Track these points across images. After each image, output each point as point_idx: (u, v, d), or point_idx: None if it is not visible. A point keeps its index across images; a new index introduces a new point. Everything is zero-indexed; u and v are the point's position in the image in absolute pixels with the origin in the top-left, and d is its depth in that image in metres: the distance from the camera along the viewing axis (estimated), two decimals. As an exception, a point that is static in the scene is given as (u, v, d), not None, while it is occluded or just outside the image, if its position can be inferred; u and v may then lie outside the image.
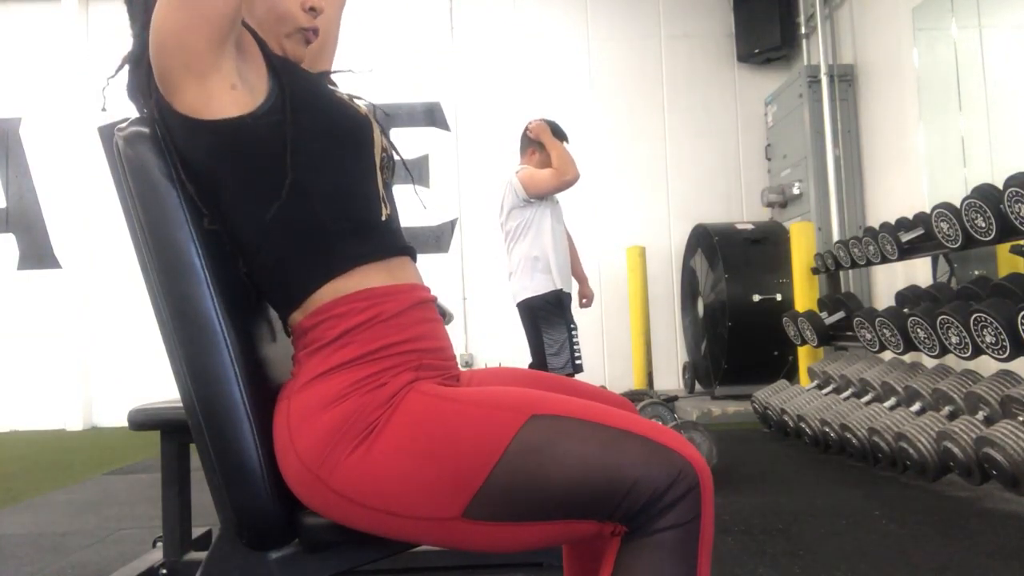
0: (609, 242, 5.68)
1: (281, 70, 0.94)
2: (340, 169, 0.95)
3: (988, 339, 2.54)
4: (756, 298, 4.81)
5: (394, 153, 1.10)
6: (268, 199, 0.90)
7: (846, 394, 3.48)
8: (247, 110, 0.89)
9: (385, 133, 1.06)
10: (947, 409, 2.76)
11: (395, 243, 0.99)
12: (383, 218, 0.99)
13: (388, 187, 1.04)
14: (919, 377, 3.04)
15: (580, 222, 4.97)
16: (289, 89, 0.92)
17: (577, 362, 3.30)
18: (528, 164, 3.42)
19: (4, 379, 5.89)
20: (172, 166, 0.92)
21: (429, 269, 5.73)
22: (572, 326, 3.31)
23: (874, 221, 4.52)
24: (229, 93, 0.88)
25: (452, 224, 6.01)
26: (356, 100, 1.05)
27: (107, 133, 0.97)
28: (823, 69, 5.02)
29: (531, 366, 3.46)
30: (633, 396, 3.79)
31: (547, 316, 3.30)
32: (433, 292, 1.05)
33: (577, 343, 3.32)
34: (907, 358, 3.33)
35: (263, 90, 0.91)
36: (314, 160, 0.92)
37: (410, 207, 5.01)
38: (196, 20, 0.84)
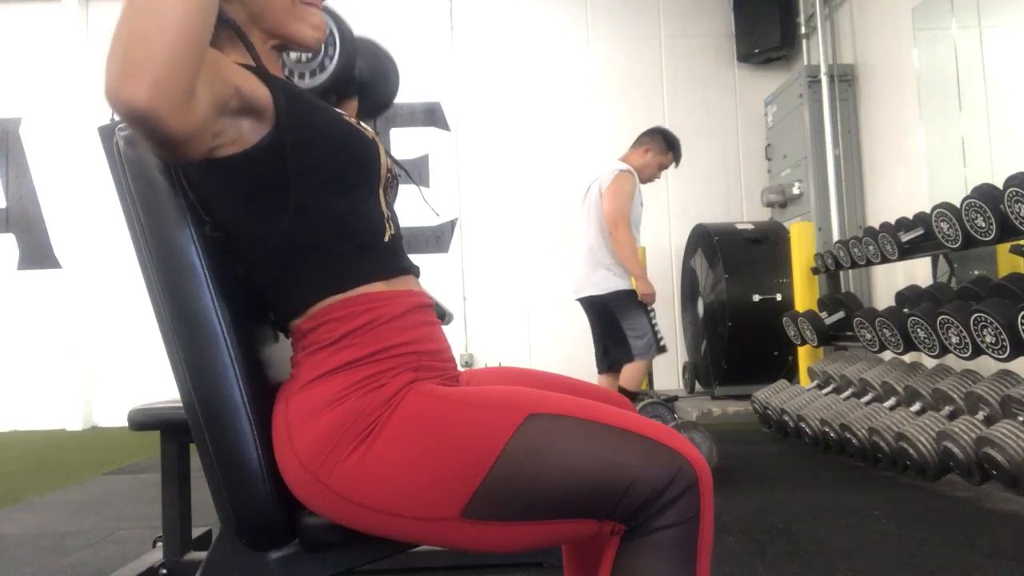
0: (609, 242, 5.67)
1: (286, 96, 0.90)
2: (346, 191, 0.95)
3: (988, 339, 2.53)
4: (756, 298, 4.81)
5: (399, 172, 1.09)
6: (270, 222, 0.90)
7: (846, 394, 3.48)
8: (249, 145, 0.87)
9: (389, 153, 1.06)
10: (947, 409, 2.76)
11: (398, 263, 0.99)
12: (387, 239, 0.98)
13: (391, 207, 1.03)
14: (919, 377, 3.04)
15: (580, 222, 4.97)
16: (293, 117, 0.90)
17: (661, 343, 3.32)
18: (630, 160, 3.44)
19: (4, 379, 5.89)
20: (173, 168, 0.92)
21: (429, 269, 5.72)
22: (650, 308, 3.33)
23: (874, 221, 4.52)
24: (229, 146, 0.86)
25: (452, 224, 6.01)
26: (362, 123, 1.05)
27: (107, 133, 0.97)
28: (823, 69, 5.02)
29: (599, 358, 3.49)
30: (632, 396, 3.79)
31: (624, 306, 3.32)
32: (432, 293, 1.05)
33: (656, 323, 3.34)
34: (907, 358, 3.33)
35: (267, 122, 0.88)
36: (320, 184, 0.92)
37: (410, 207, 5.01)
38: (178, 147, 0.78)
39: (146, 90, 0.68)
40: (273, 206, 0.89)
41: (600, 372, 3.54)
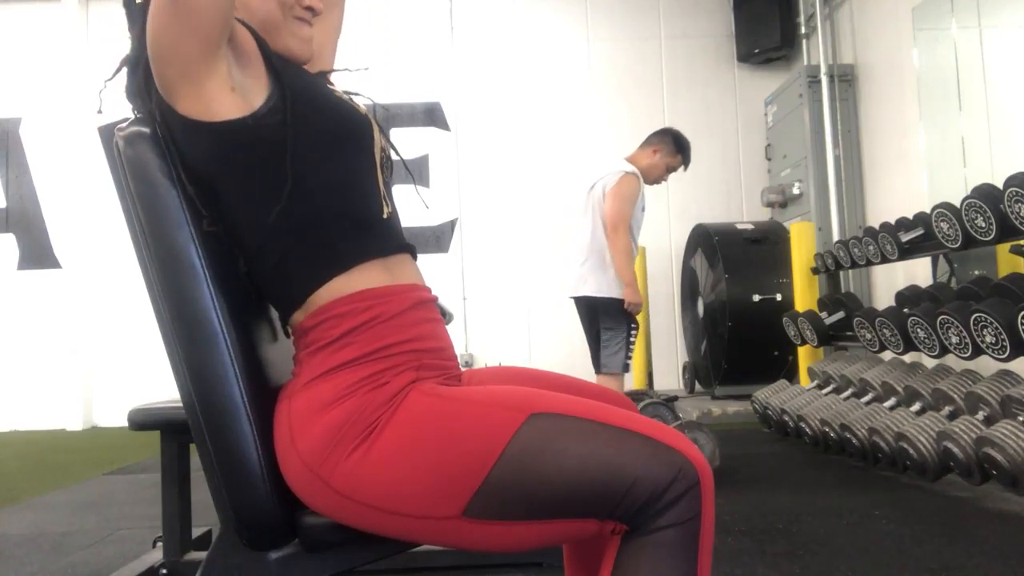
0: (609, 242, 5.67)
1: (281, 70, 0.93)
2: (341, 168, 0.96)
3: (988, 339, 2.53)
4: (756, 298, 4.81)
5: (393, 152, 1.10)
6: (269, 199, 0.90)
7: (846, 394, 3.48)
8: (248, 111, 0.89)
9: (384, 132, 1.07)
10: (947, 409, 2.76)
11: (395, 241, 0.99)
12: (384, 216, 0.99)
13: (388, 186, 1.04)
14: (919, 377, 3.04)
15: (580, 222, 4.97)
16: (290, 89, 0.92)
17: (628, 362, 3.29)
18: (637, 160, 3.39)
19: (4, 379, 5.89)
20: (172, 166, 0.92)
21: (429, 269, 5.69)
22: (633, 325, 3.29)
23: (874, 221, 4.52)
24: (229, 96, 0.88)
25: (452, 224, 6.01)
26: (355, 98, 1.05)
27: (107, 133, 0.97)
28: (823, 69, 5.02)
29: (593, 357, 3.47)
30: (633, 396, 3.79)
31: (612, 315, 3.29)
32: (433, 292, 1.05)
33: (633, 344, 3.30)
34: (907, 358, 3.33)
35: (263, 91, 0.91)
36: (315, 159, 0.93)
37: (410, 207, 5.03)
38: (188, 29, 0.83)
39: None
40: (272, 184, 0.90)
41: (597, 373, 3.53)
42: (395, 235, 1.00)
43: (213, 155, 0.90)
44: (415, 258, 1.04)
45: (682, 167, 3.49)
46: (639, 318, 3.39)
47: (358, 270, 0.93)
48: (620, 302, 3.26)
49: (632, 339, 3.29)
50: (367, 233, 0.96)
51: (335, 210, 0.94)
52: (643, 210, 3.39)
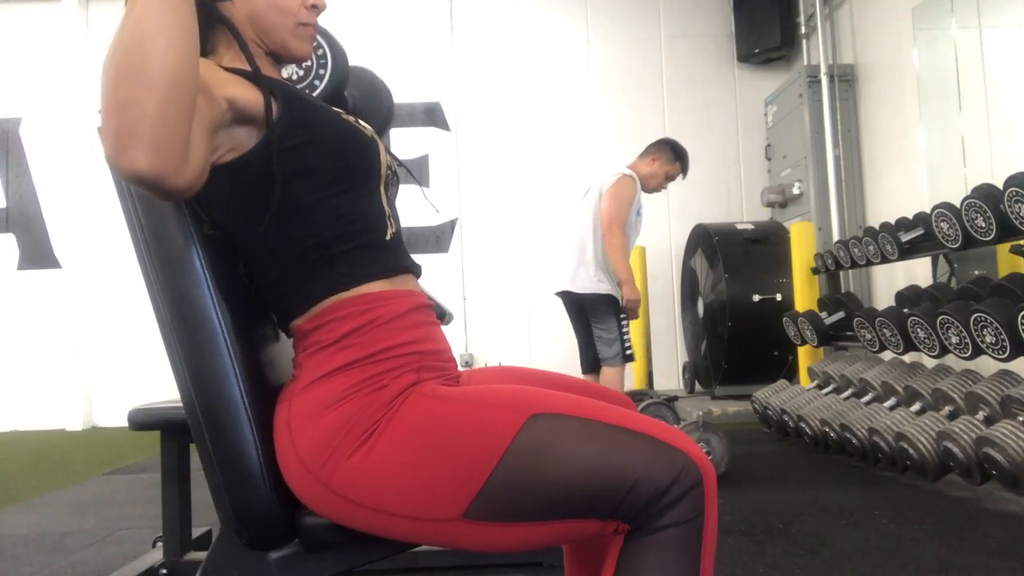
0: (609, 242, 5.67)
1: (284, 97, 0.91)
2: (347, 190, 0.95)
3: (988, 339, 2.53)
4: (756, 298, 4.81)
5: (398, 168, 1.10)
6: (271, 224, 0.91)
7: (846, 394, 3.48)
8: (246, 150, 0.89)
9: (389, 150, 1.06)
10: (947, 409, 2.76)
11: (399, 262, 0.99)
12: (388, 237, 0.99)
13: (392, 205, 1.04)
14: (919, 377, 3.04)
15: (580, 222, 4.96)
16: (291, 118, 0.91)
17: (628, 352, 3.32)
18: (637, 168, 3.45)
19: (4, 379, 5.89)
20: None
21: (429, 269, 5.69)
22: (622, 315, 3.33)
23: (874, 221, 4.52)
24: (226, 154, 0.88)
25: (452, 224, 6.01)
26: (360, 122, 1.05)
27: (107, 133, 0.97)
28: (823, 69, 5.02)
29: (583, 358, 3.48)
30: (633, 396, 3.79)
31: (599, 310, 3.32)
32: (433, 293, 1.05)
33: (627, 333, 3.34)
34: (907, 358, 3.33)
35: (263, 126, 0.90)
36: (321, 181, 0.93)
37: (410, 207, 5.01)
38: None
39: (146, 157, 0.69)
40: (275, 211, 0.90)
41: (584, 372, 3.54)
42: (398, 256, 1.00)
43: (213, 187, 0.89)
44: (418, 277, 1.04)
45: (681, 175, 3.55)
46: (639, 316, 3.42)
47: (359, 288, 0.93)
48: (605, 297, 3.29)
49: (625, 329, 3.32)
50: (371, 255, 0.96)
51: (339, 232, 0.93)
52: (639, 214, 3.43)
